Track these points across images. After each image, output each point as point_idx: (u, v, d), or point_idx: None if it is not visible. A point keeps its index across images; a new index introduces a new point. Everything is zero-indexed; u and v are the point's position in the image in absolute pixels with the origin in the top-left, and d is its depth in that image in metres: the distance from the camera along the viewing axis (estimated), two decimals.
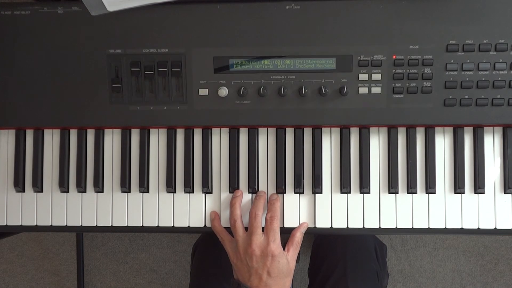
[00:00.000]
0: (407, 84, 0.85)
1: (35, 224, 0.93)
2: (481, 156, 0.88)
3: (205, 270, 1.13)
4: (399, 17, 0.85)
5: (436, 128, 0.89)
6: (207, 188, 0.91)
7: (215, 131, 0.92)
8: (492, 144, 0.88)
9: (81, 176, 0.92)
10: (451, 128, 0.89)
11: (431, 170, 0.88)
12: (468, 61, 0.84)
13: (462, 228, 0.88)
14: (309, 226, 0.90)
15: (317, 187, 0.89)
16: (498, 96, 0.84)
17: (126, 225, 0.92)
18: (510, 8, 0.84)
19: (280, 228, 0.89)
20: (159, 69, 0.88)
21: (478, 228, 0.88)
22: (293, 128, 0.90)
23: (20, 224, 0.94)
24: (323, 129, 0.90)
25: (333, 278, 1.06)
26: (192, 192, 0.92)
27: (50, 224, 0.93)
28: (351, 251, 1.09)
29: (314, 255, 1.21)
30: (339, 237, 1.13)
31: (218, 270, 1.10)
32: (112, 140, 0.93)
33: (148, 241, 1.68)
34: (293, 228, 0.90)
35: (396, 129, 0.89)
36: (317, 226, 0.90)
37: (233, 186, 0.90)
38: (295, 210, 0.90)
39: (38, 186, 0.93)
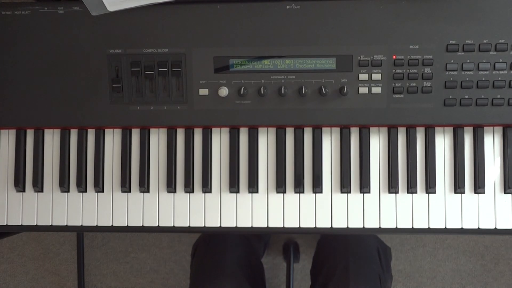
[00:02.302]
0: (407, 84, 0.85)
1: (35, 224, 0.93)
2: (481, 156, 0.88)
3: (205, 270, 1.13)
4: (399, 17, 0.85)
5: (436, 128, 0.89)
6: (207, 188, 0.91)
7: (215, 131, 0.92)
8: (492, 144, 0.88)
9: (81, 176, 0.92)
10: (451, 128, 0.89)
11: (431, 170, 0.88)
12: (468, 61, 0.84)
13: (462, 228, 0.88)
14: (309, 226, 0.90)
15: (317, 187, 0.89)
16: (498, 96, 0.84)
17: (126, 225, 0.92)
18: (510, 8, 0.84)
19: (280, 228, 0.89)
20: (159, 69, 0.88)
21: (478, 228, 0.88)
22: (293, 128, 0.91)
23: (20, 224, 0.94)
24: (323, 129, 0.90)
25: (335, 279, 1.06)
26: (192, 192, 0.92)
27: (50, 224, 0.93)
28: (352, 254, 1.09)
29: (316, 256, 1.21)
30: (341, 239, 1.13)
31: (218, 271, 1.10)
32: (112, 140, 0.93)
33: (148, 241, 1.68)
34: (293, 228, 0.90)
35: (396, 129, 0.89)
36: (317, 226, 0.90)
37: (233, 186, 0.90)
38: (295, 210, 0.90)
39: (38, 186, 0.93)
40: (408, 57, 0.85)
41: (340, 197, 0.90)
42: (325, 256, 1.14)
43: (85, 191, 0.93)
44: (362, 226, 0.89)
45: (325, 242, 1.18)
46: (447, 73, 0.85)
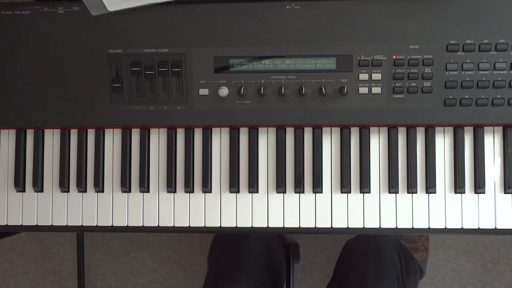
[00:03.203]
0: (407, 84, 0.85)
1: (35, 224, 0.93)
2: (481, 156, 0.88)
3: (222, 269, 1.13)
4: (399, 17, 0.85)
5: (436, 128, 0.89)
6: (207, 188, 0.91)
7: (215, 131, 0.92)
8: (492, 144, 0.88)
9: (81, 176, 0.92)
10: (451, 128, 0.89)
11: (431, 170, 0.88)
12: (468, 61, 0.84)
13: (462, 228, 0.88)
14: (309, 226, 0.90)
15: (317, 187, 0.89)
16: (498, 96, 0.84)
17: (126, 225, 0.92)
18: (510, 8, 0.84)
19: (280, 228, 0.89)
20: (160, 69, 0.88)
21: (478, 228, 0.88)
22: (293, 128, 0.91)
23: (20, 224, 0.94)
24: (323, 129, 0.90)
25: (352, 280, 1.08)
26: (193, 192, 0.92)
27: (50, 224, 0.93)
28: (371, 256, 1.11)
29: (339, 258, 1.24)
30: (361, 242, 1.15)
31: (234, 270, 1.10)
32: (112, 140, 0.93)
33: (148, 241, 1.68)
34: (293, 228, 0.90)
35: (396, 129, 0.89)
36: (317, 226, 0.90)
37: (234, 186, 0.90)
38: (295, 210, 0.90)
39: (38, 186, 0.93)
40: (408, 57, 0.85)
41: (340, 197, 0.90)
42: (345, 258, 1.17)
43: (85, 191, 0.93)
44: (362, 226, 0.89)
45: (348, 245, 1.21)
46: (447, 73, 0.85)
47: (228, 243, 1.18)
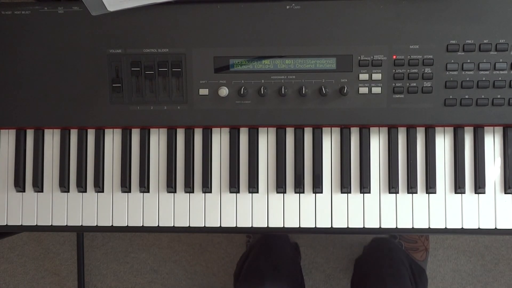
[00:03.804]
0: (408, 84, 0.85)
1: (35, 224, 0.93)
2: (481, 156, 0.88)
3: (259, 271, 1.15)
4: (399, 17, 0.85)
5: (437, 128, 0.89)
6: (207, 188, 0.91)
7: (215, 131, 0.92)
8: (493, 144, 0.88)
9: (81, 176, 0.92)
10: (451, 128, 0.89)
11: (432, 170, 0.88)
12: (469, 61, 0.84)
13: (462, 228, 0.88)
14: (309, 226, 0.90)
15: (317, 187, 0.89)
16: (498, 96, 0.84)
17: (126, 225, 0.92)
18: (510, 8, 0.84)
19: (280, 228, 0.89)
20: (160, 69, 0.88)
21: (479, 228, 0.88)
22: (293, 128, 0.90)
23: (20, 224, 0.94)
24: (323, 129, 0.90)
25: (370, 281, 1.13)
26: (193, 192, 0.92)
27: (50, 224, 0.93)
28: (385, 259, 1.16)
29: (356, 269, 1.26)
30: (373, 249, 1.18)
31: (274, 269, 1.12)
32: (112, 140, 0.93)
33: (148, 241, 1.68)
34: (293, 228, 0.90)
35: (396, 129, 0.89)
36: (317, 226, 0.90)
37: (234, 186, 0.90)
38: (295, 210, 0.90)
39: (38, 186, 0.93)
40: (409, 57, 0.85)
41: (340, 197, 0.90)
42: (359, 270, 1.19)
43: (85, 191, 0.93)
44: (362, 226, 0.89)
45: (359, 261, 1.24)
46: (447, 73, 0.85)
47: (264, 250, 1.21)
